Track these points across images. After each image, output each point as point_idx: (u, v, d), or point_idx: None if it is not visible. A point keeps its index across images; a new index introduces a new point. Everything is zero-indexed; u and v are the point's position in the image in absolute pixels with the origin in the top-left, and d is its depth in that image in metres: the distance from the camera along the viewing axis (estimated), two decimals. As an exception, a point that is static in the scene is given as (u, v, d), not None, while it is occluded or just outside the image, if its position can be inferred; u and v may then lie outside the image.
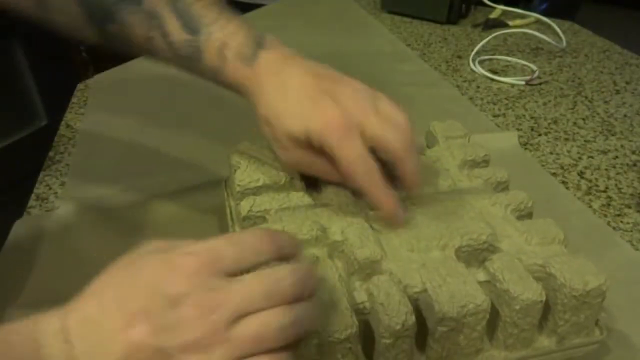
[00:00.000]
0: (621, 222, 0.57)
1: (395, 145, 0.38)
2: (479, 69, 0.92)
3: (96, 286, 0.29)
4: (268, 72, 0.40)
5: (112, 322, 0.26)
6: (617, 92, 0.85)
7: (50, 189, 0.60)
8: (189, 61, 0.41)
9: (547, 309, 0.36)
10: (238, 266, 0.27)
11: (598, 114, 0.79)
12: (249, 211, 0.41)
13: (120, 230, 0.54)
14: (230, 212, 0.46)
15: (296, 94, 0.39)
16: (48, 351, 0.26)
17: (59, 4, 0.41)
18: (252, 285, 0.27)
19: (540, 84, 0.87)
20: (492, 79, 0.89)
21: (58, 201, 0.58)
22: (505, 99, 0.83)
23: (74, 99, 0.80)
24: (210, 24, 0.41)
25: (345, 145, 0.37)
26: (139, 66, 0.91)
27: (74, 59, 1.51)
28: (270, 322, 0.26)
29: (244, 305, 0.26)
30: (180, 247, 0.28)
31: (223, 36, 0.40)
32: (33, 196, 0.59)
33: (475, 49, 0.97)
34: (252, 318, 0.26)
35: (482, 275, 0.36)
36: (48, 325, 0.27)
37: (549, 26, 1.08)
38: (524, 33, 1.06)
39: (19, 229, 0.53)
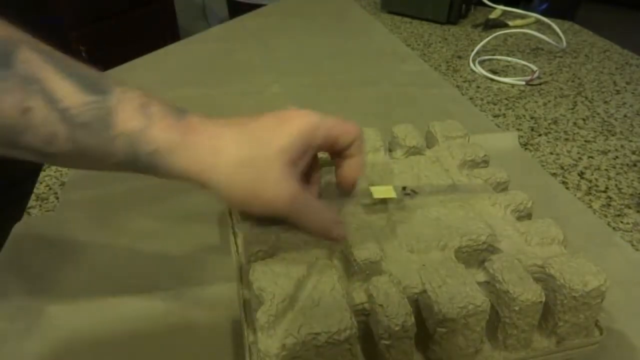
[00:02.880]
0: (621, 222, 0.57)
1: (351, 131, 0.37)
2: (479, 69, 0.92)
3: None
4: (203, 132, 0.34)
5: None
6: (617, 92, 0.85)
7: (50, 189, 0.60)
8: (89, 129, 0.31)
9: (546, 309, 0.36)
10: None
11: (598, 114, 0.79)
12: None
13: (120, 231, 0.54)
14: (231, 213, 0.46)
15: (239, 166, 0.34)
16: None
17: None
18: None
19: (540, 84, 0.87)
20: (492, 79, 0.89)
21: (58, 202, 0.58)
22: (506, 99, 0.83)
23: (74, 99, 0.80)
24: (116, 85, 0.32)
25: (305, 219, 0.36)
26: (138, 66, 0.91)
27: (74, 59, 1.51)
28: None
29: None
30: None
31: (139, 96, 0.33)
32: (33, 196, 0.59)
33: (475, 49, 0.97)
34: None
35: (481, 276, 0.36)
36: None
37: (549, 26, 1.07)
38: (524, 33, 1.06)
39: (19, 230, 0.53)
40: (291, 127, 0.35)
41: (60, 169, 0.63)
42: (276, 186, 0.34)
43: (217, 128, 0.35)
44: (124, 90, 0.32)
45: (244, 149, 0.34)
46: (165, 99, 0.34)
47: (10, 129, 0.29)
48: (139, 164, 0.33)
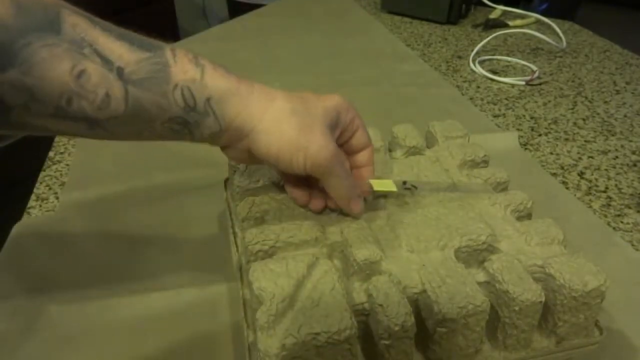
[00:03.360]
0: (621, 222, 0.57)
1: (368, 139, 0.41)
2: (479, 69, 0.92)
3: None
4: (254, 83, 0.36)
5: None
6: (617, 92, 0.85)
7: (50, 189, 0.60)
8: (146, 85, 0.31)
9: (546, 309, 0.36)
10: None
11: (598, 114, 0.79)
12: (248, 212, 0.41)
13: (120, 231, 0.54)
14: (231, 213, 0.46)
15: (290, 114, 0.36)
16: None
17: None
18: None
19: (540, 84, 0.87)
20: (492, 79, 0.89)
21: (58, 202, 0.58)
22: (505, 99, 0.83)
23: (74, 99, 0.80)
24: (164, 43, 0.33)
25: (336, 179, 0.38)
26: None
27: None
28: None
29: None
30: None
31: (188, 51, 0.34)
32: (33, 196, 0.59)
33: (475, 49, 0.97)
34: None
35: (481, 276, 0.36)
36: None
37: (549, 26, 1.07)
38: (524, 33, 1.06)
39: (19, 230, 0.53)
40: (329, 99, 0.38)
41: (60, 169, 0.63)
42: (322, 138, 0.35)
43: (265, 86, 0.37)
44: (172, 47, 0.33)
45: (294, 102, 0.36)
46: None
47: (63, 96, 0.29)
48: (193, 114, 0.33)
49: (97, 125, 0.31)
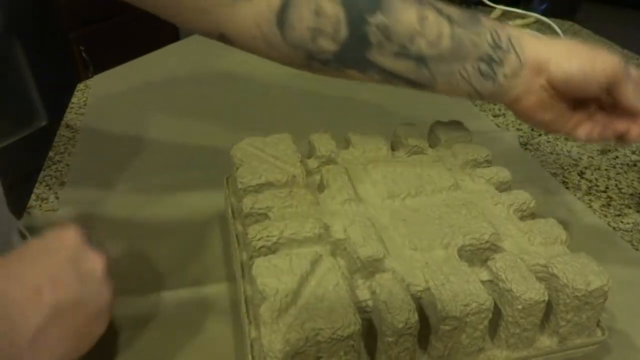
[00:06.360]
0: (621, 222, 0.57)
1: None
2: (479, 70, 0.91)
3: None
4: (535, 55, 0.42)
5: (20, 293, 0.30)
6: (617, 92, 0.85)
7: (50, 189, 0.60)
8: (464, 24, 0.41)
9: (549, 309, 0.36)
10: None
11: (598, 114, 0.79)
12: (251, 208, 0.40)
13: (120, 231, 0.53)
14: (232, 210, 0.46)
15: (568, 44, 0.43)
16: None
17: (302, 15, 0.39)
18: None
19: (540, 84, 0.87)
20: (492, 80, 0.89)
21: (58, 202, 0.57)
22: (506, 99, 0.83)
23: (74, 99, 0.80)
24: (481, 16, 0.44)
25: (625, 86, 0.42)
26: (138, 66, 0.91)
27: (74, 59, 1.50)
28: None
29: None
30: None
31: (494, 24, 0.43)
32: (33, 196, 0.59)
33: (475, 50, 0.97)
34: None
35: (484, 275, 0.36)
36: None
37: (549, 26, 1.08)
38: (524, 34, 1.06)
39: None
40: (584, 61, 0.42)
41: (60, 169, 0.63)
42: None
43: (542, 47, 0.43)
44: (483, 18, 0.42)
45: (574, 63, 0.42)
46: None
47: (407, 35, 0.40)
48: (498, 51, 0.42)
49: (423, 64, 0.41)
